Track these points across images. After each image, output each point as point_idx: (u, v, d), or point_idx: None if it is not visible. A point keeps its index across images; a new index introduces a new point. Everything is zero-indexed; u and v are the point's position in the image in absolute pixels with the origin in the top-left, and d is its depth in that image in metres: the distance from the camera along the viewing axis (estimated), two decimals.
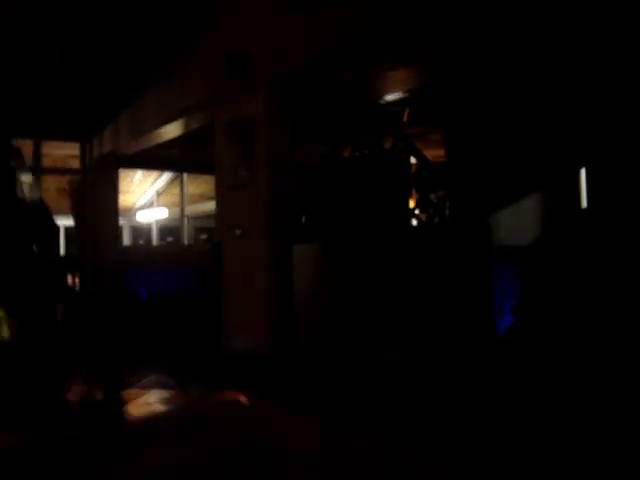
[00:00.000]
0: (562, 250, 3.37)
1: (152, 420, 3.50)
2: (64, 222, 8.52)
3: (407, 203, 4.55)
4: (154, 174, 11.76)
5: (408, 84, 4.36)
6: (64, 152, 8.70)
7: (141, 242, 14.68)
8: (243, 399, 3.79)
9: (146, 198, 13.03)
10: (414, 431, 2.97)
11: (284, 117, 4.57)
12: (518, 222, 3.95)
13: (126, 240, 14.11)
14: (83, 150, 8.12)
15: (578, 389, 2.86)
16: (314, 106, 4.81)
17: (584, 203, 3.84)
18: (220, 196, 5.08)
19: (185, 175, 10.20)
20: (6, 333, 3.75)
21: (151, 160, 8.25)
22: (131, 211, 13.58)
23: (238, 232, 4.67)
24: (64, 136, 7.94)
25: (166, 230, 13.66)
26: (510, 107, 4.17)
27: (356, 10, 3.71)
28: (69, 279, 6.35)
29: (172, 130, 6.07)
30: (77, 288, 6.82)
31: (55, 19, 4.88)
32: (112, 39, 5.21)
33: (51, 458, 2.90)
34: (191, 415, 3.59)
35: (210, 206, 5.95)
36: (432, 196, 4.61)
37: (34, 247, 4.61)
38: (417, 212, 4.58)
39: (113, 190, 7.98)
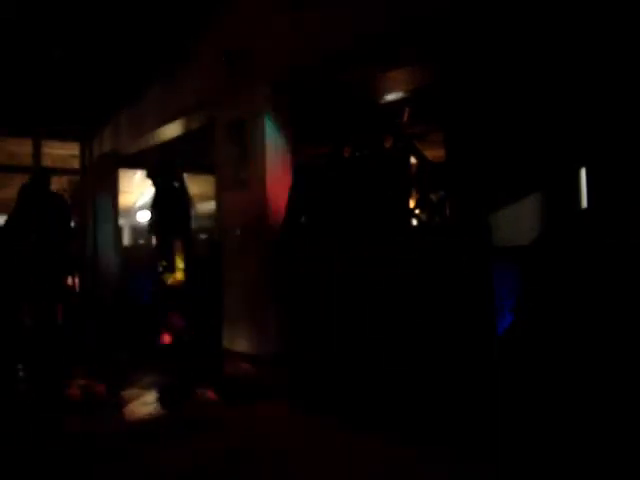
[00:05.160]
0: (562, 250, 3.36)
1: (151, 420, 3.50)
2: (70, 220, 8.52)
3: (407, 203, 4.54)
4: None
5: (408, 84, 4.36)
6: (64, 152, 8.69)
7: (141, 242, 14.66)
8: (243, 400, 3.79)
9: (146, 198, 13.01)
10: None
11: (284, 117, 4.56)
12: (518, 222, 3.94)
13: (126, 240, 14.09)
14: (83, 150, 8.12)
15: (577, 389, 2.86)
16: (314, 106, 4.80)
17: (584, 203, 3.83)
18: (220, 196, 5.08)
19: (185, 175, 10.18)
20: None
21: (151, 160, 8.24)
22: (131, 211, 13.56)
23: (238, 232, 4.66)
24: (64, 136, 7.94)
25: None
26: (510, 107, 4.16)
27: (356, 10, 3.71)
28: (69, 280, 6.36)
29: (172, 130, 6.06)
30: (77, 288, 6.82)
31: (56, 19, 4.87)
32: (112, 39, 5.21)
33: (50, 458, 2.90)
34: (190, 415, 3.58)
35: (210, 206, 5.95)
36: (432, 196, 4.60)
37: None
38: (417, 212, 4.56)
39: (113, 190, 7.98)
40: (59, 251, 5.27)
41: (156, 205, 5.10)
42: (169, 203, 4.90)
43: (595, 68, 3.54)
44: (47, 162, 8.18)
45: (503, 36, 3.44)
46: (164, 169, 4.99)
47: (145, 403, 3.76)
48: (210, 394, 4.03)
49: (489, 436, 2.79)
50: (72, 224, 5.52)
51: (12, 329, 5.00)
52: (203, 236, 12.01)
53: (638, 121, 3.44)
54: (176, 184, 5.20)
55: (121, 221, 9.95)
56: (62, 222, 5.25)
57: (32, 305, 5.18)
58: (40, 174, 5.25)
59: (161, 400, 3.82)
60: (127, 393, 3.99)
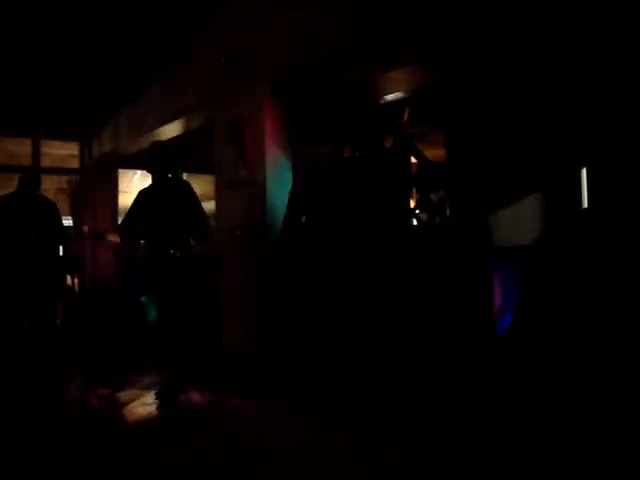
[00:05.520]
0: (563, 250, 3.36)
1: (151, 420, 3.50)
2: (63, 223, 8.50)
3: (407, 203, 4.54)
4: None
5: (408, 84, 4.35)
6: (63, 152, 8.68)
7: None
8: (243, 400, 3.79)
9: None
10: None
11: (284, 117, 4.56)
12: (518, 222, 3.93)
13: None
14: (82, 150, 8.11)
15: (577, 390, 2.86)
16: (314, 106, 4.80)
17: (585, 203, 3.83)
18: (220, 196, 5.08)
19: (184, 175, 10.18)
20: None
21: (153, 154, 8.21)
22: None
23: (238, 232, 4.66)
24: (63, 136, 7.94)
25: None
26: (510, 107, 4.16)
27: (356, 10, 3.70)
28: (68, 280, 6.35)
29: (172, 130, 6.06)
30: (76, 288, 6.82)
31: (55, 18, 4.87)
32: (112, 38, 5.20)
33: (50, 458, 2.89)
34: (190, 415, 3.58)
35: (210, 206, 5.95)
36: (432, 196, 4.60)
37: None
38: (417, 212, 4.56)
39: (113, 190, 7.97)
40: (57, 251, 5.28)
41: (152, 205, 4.32)
42: (172, 203, 4.20)
43: (596, 68, 3.54)
44: (46, 162, 8.17)
45: (504, 36, 3.44)
46: (165, 162, 4.29)
47: (145, 403, 3.76)
48: (210, 394, 4.03)
49: (486, 437, 2.79)
50: (64, 224, 5.44)
51: (12, 329, 4.99)
52: None
53: (639, 121, 3.44)
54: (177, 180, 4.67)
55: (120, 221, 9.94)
56: (56, 223, 5.23)
57: (32, 305, 5.18)
58: (30, 178, 5.17)
59: (161, 400, 3.81)
60: (127, 393, 3.98)
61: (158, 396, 3.83)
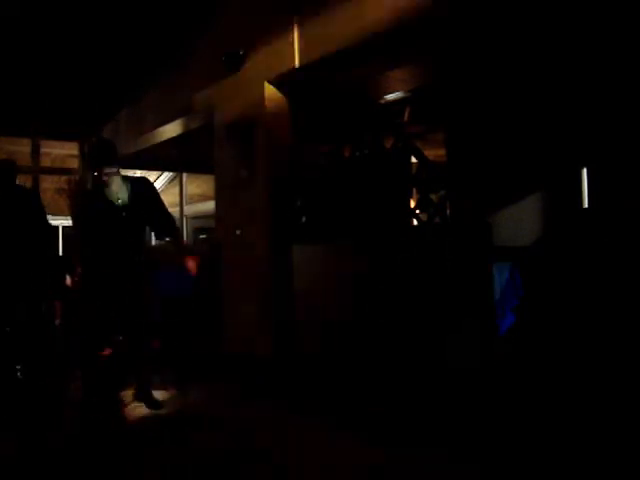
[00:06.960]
0: (563, 250, 3.36)
1: (151, 421, 3.49)
2: (62, 222, 8.50)
3: (408, 203, 4.54)
4: (153, 174, 11.74)
5: (408, 83, 4.36)
6: (63, 152, 8.67)
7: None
8: (242, 400, 3.79)
9: None
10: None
11: (284, 117, 4.55)
12: (519, 222, 3.94)
13: None
14: (82, 149, 8.09)
15: (578, 390, 2.86)
16: (314, 106, 4.80)
17: (585, 203, 3.84)
18: (220, 196, 5.07)
19: (184, 175, 10.17)
20: None
21: (150, 160, 8.22)
22: None
23: (238, 232, 4.66)
24: (63, 135, 7.92)
25: None
26: (510, 107, 4.16)
27: (356, 10, 3.70)
28: (67, 280, 6.32)
29: (171, 130, 6.05)
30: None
31: (55, 18, 4.86)
32: (111, 38, 5.20)
33: (50, 459, 2.89)
34: (190, 415, 3.58)
35: (210, 206, 5.95)
36: (432, 196, 4.60)
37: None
38: (417, 212, 4.57)
39: None
40: (56, 250, 5.21)
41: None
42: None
43: (596, 68, 3.55)
44: (46, 162, 8.16)
45: (504, 35, 3.44)
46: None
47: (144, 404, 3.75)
48: (209, 394, 4.02)
49: (484, 437, 2.79)
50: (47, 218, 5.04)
51: (9, 329, 4.97)
52: (203, 236, 12.00)
53: (639, 121, 3.44)
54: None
55: None
56: (41, 216, 4.84)
57: (29, 304, 5.14)
58: (8, 167, 4.59)
59: (160, 401, 3.80)
60: (125, 394, 3.97)
61: (137, 393, 3.79)
